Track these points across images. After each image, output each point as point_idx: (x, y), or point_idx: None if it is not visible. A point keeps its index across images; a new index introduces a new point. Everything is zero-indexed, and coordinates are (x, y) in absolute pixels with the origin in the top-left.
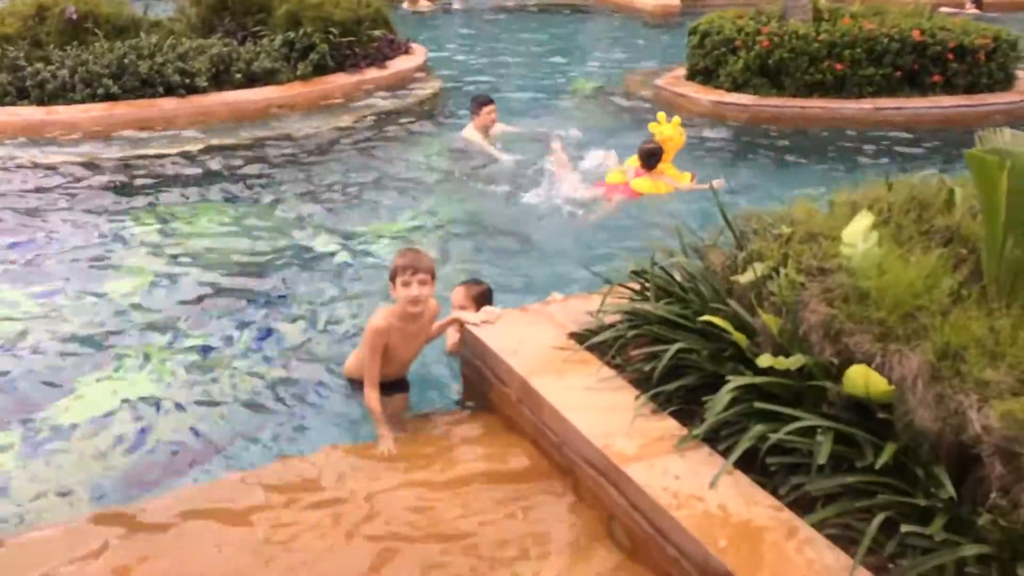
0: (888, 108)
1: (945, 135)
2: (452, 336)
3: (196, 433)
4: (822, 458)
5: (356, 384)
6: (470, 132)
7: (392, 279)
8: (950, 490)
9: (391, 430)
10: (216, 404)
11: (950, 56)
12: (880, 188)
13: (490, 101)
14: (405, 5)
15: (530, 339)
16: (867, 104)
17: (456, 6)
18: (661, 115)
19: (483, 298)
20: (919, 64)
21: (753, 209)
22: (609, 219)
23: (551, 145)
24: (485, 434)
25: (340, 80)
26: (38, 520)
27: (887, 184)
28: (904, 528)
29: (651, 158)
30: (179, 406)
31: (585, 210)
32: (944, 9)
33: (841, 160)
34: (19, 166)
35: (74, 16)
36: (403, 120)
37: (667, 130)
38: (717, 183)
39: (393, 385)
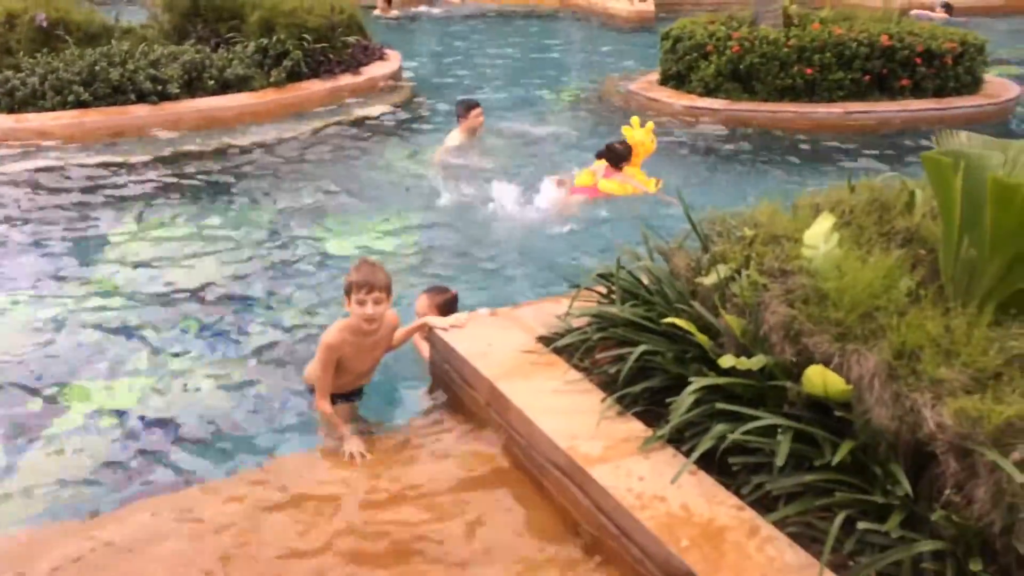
0: (858, 112)
1: (913, 138)
2: (422, 344)
3: (163, 443)
4: (780, 458)
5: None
6: (455, 136)
7: (347, 294)
8: (906, 487)
9: (352, 432)
10: (182, 413)
11: (918, 60)
12: (843, 190)
13: (476, 104)
14: (376, 12)
15: (499, 342)
16: (837, 108)
17: (435, 12)
18: (635, 119)
19: (448, 306)
20: (888, 68)
21: (719, 212)
22: (578, 222)
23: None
24: (453, 437)
25: (314, 86)
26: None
27: (850, 186)
28: (862, 525)
29: (619, 158)
30: (143, 417)
31: (547, 212)
32: (914, 13)
33: (810, 163)
34: None
35: (44, 23)
36: (377, 126)
37: (639, 135)
38: (659, 185)
39: (349, 396)
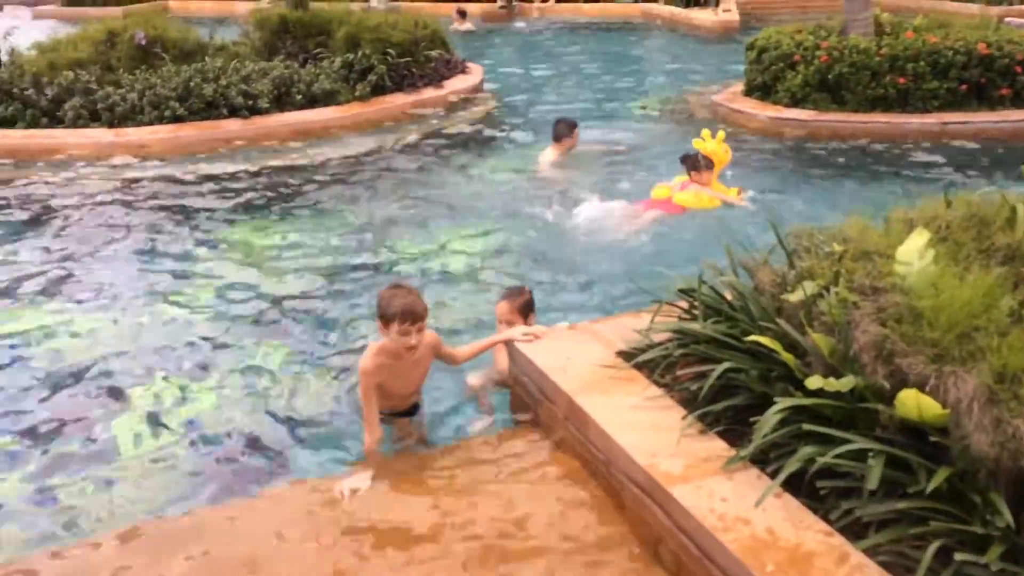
0: (954, 122)
1: (1014, 150)
2: (501, 356)
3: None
4: (873, 483)
5: None
6: (550, 153)
7: (384, 320)
8: (1008, 518)
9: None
10: (266, 420)
11: (1018, 69)
12: (938, 205)
13: (576, 124)
14: (453, 26)
15: (578, 357)
16: (932, 118)
17: (517, 25)
18: (706, 132)
19: (528, 306)
20: (986, 77)
21: (806, 226)
22: (659, 236)
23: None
24: (530, 451)
25: (398, 100)
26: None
27: (946, 201)
28: (959, 557)
29: (698, 166)
30: (227, 422)
31: (622, 227)
32: (1009, 20)
33: (903, 176)
34: (89, 187)
35: (143, 41)
36: (459, 138)
37: (711, 145)
38: (742, 195)
39: (404, 414)
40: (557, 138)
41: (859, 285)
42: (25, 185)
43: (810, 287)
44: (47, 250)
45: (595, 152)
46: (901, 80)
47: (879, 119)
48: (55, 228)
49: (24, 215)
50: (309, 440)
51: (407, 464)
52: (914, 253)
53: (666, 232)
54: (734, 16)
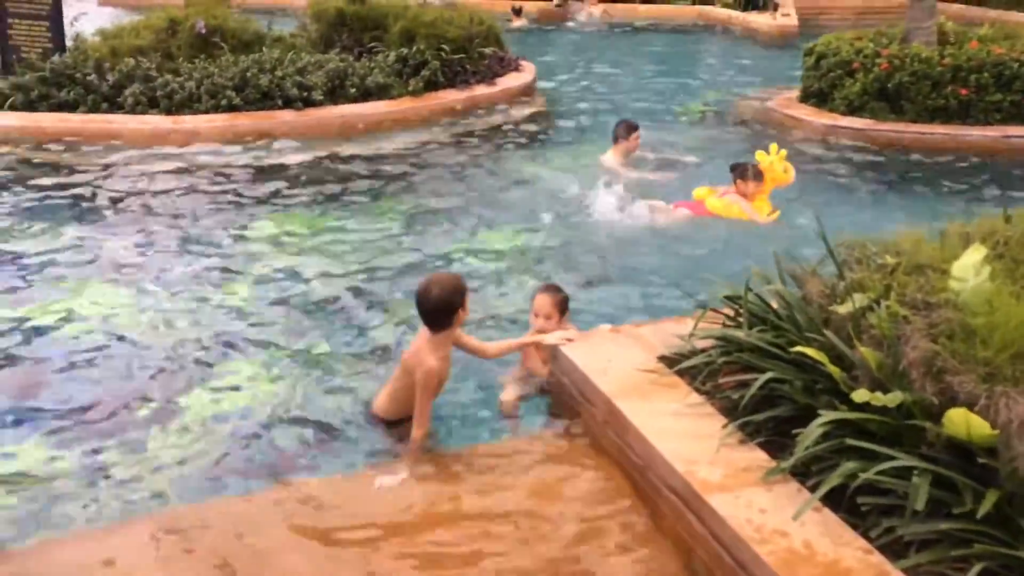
0: (1017, 136)
1: None
2: (533, 359)
3: (276, 443)
4: (919, 502)
5: (386, 423)
6: (609, 158)
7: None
8: None
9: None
10: (304, 410)
11: None
12: (997, 220)
13: (637, 127)
14: (511, 24)
15: (619, 360)
16: (994, 131)
17: (571, 24)
18: (773, 146)
19: (565, 304)
20: None
21: (857, 237)
22: (706, 241)
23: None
24: (569, 454)
25: (450, 96)
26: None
27: (1004, 216)
28: None
29: (745, 176)
30: (272, 410)
31: (655, 221)
32: None
33: (961, 190)
34: (145, 172)
35: (203, 31)
36: (510, 136)
37: (766, 160)
38: (772, 216)
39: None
40: (615, 139)
41: (911, 299)
42: (82, 169)
43: (860, 299)
44: (98, 232)
45: (643, 152)
46: (963, 91)
47: (938, 130)
48: (107, 212)
49: (79, 198)
50: (336, 435)
51: (433, 466)
52: (970, 269)
53: (714, 238)
54: (792, 21)
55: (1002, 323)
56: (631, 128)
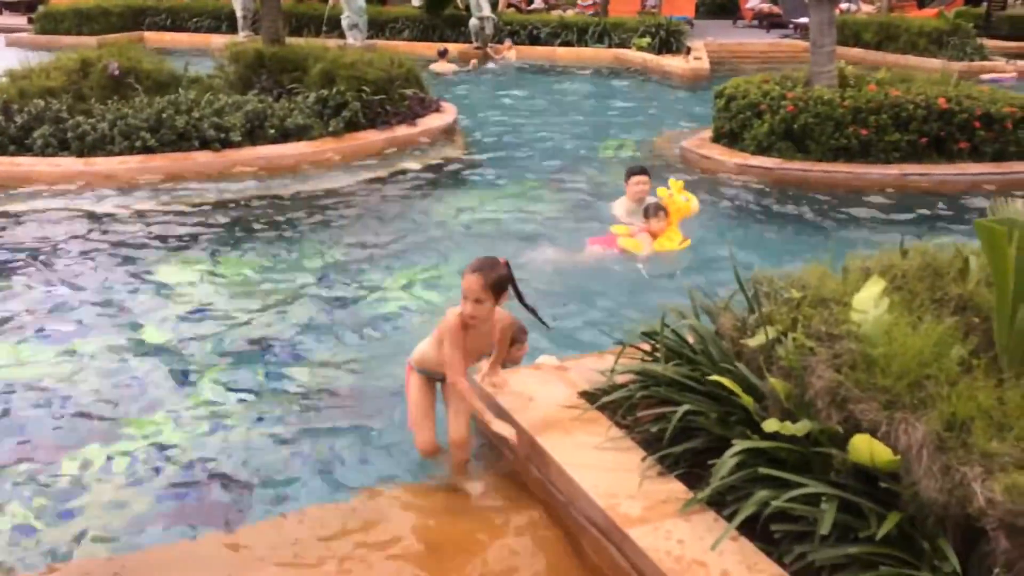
0: (914, 174)
1: (971, 202)
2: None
3: (216, 483)
4: (825, 528)
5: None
6: (621, 203)
7: None
8: (954, 564)
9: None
10: (228, 453)
11: (976, 124)
12: (895, 254)
13: (641, 171)
14: (432, 67)
15: (541, 397)
16: (893, 170)
17: (491, 66)
18: (673, 182)
19: (500, 284)
20: (945, 131)
21: (767, 272)
22: (627, 278)
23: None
24: (490, 490)
25: (371, 137)
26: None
27: (902, 250)
28: None
29: (646, 211)
30: (197, 454)
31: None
32: (986, 77)
33: (862, 225)
34: (55, 216)
35: (116, 72)
36: (430, 177)
37: (666, 193)
38: (682, 245)
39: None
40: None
41: (816, 331)
42: None
43: (769, 332)
44: (10, 280)
45: (558, 191)
46: (864, 131)
47: (841, 169)
48: (18, 258)
49: None
50: (263, 481)
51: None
52: (869, 301)
53: (635, 275)
54: (704, 64)
55: (900, 353)
56: (630, 172)
